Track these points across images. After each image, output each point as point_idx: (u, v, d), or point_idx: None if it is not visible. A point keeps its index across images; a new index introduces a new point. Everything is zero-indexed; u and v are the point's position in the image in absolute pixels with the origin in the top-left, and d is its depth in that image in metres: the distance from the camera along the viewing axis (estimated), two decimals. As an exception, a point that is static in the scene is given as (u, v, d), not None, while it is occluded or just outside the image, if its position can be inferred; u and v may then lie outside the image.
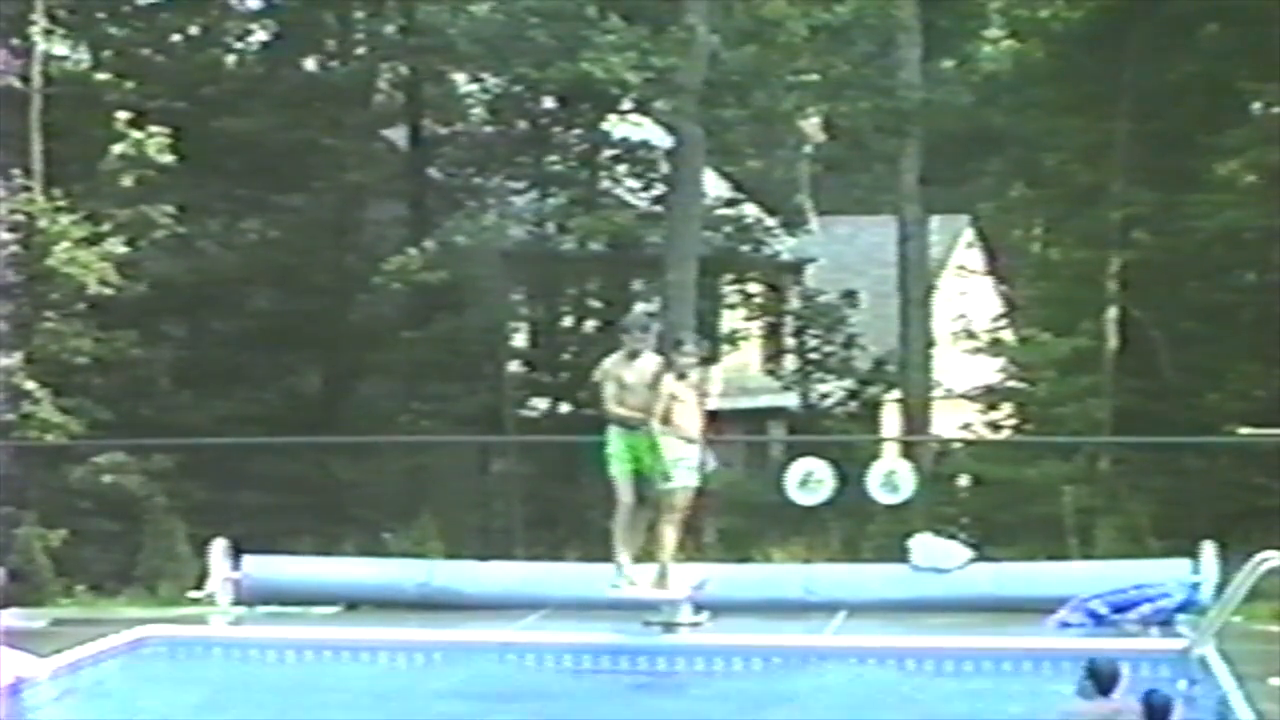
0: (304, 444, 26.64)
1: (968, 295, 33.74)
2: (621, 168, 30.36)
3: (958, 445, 30.61)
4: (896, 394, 32.47)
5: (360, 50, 31.78)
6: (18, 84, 26.08)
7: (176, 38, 30.31)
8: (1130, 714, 10.49)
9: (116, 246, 24.59)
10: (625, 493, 13.82)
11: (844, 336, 34.41)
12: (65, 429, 23.94)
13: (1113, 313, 27.02)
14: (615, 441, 13.77)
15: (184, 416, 26.52)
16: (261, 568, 16.49)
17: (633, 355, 13.84)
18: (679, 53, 26.41)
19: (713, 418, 14.45)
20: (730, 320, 33.02)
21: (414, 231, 29.31)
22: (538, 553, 21.70)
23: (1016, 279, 35.65)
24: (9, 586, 17.29)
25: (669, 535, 13.76)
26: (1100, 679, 10.77)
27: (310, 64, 31.88)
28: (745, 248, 31.73)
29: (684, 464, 13.65)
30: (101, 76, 27.85)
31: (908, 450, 26.21)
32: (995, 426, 29.37)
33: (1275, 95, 26.61)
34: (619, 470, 13.80)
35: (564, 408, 29.43)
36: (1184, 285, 27.46)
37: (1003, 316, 33.78)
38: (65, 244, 24.27)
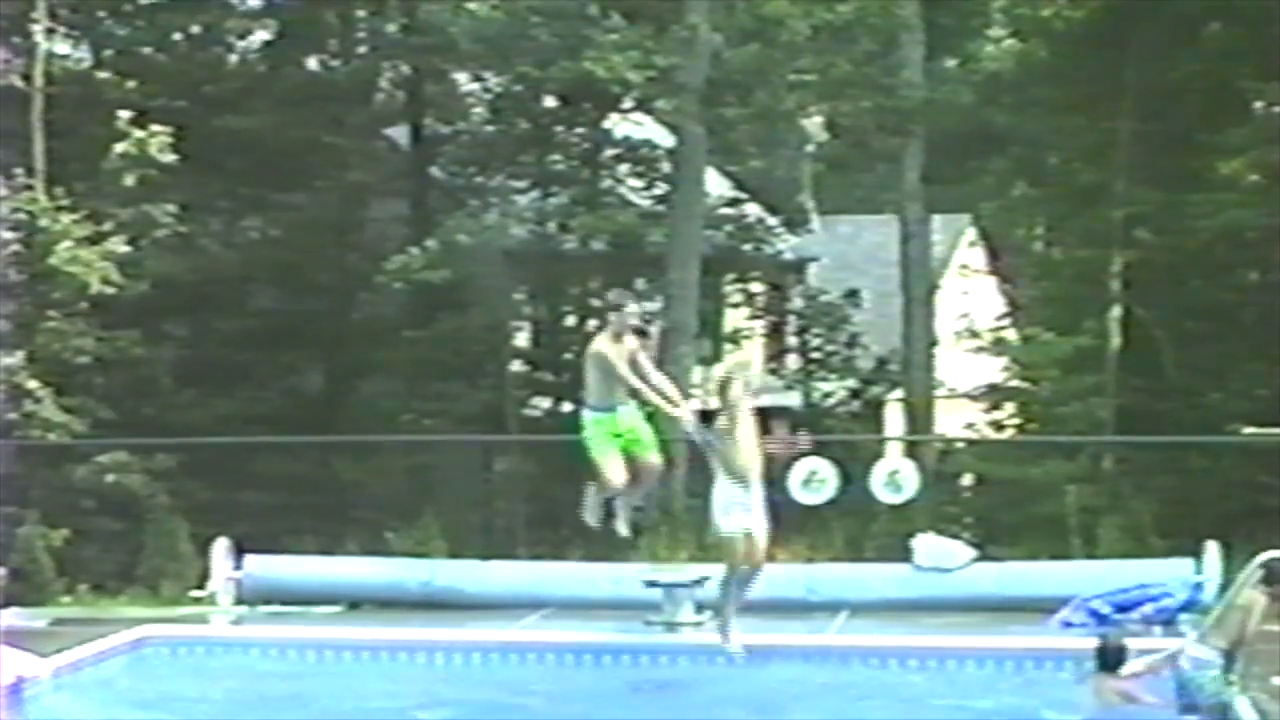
0: (306, 443, 26.65)
1: (970, 294, 33.71)
2: (623, 167, 30.35)
3: (961, 445, 30.61)
4: (899, 393, 32.46)
5: (362, 49, 31.81)
6: (19, 83, 26.11)
7: (178, 37, 30.30)
8: (1144, 697, 10.67)
9: (118, 245, 24.57)
10: (616, 472, 13.55)
11: (846, 336, 34.41)
12: (67, 428, 23.94)
13: (1115, 312, 26.97)
14: (591, 427, 13.62)
15: (186, 415, 26.51)
16: (263, 567, 16.50)
17: (617, 337, 13.67)
18: (681, 52, 26.43)
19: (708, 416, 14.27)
20: (732, 319, 33.03)
21: (416, 230, 29.31)
22: (540, 552, 21.69)
23: (1019, 278, 35.60)
24: (11, 585, 17.30)
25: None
26: (1106, 655, 10.89)
27: (312, 63, 31.89)
28: (747, 247, 31.73)
29: (737, 506, 12.95)
30: (103, 75, 27.89)
31: (911, 449, 26.25)
32: (998, 426, 29.33)
33: (1277, 95, 26.57)
34: (603, 449, 13.52)
35: (566, 407, 29.37)
36: (1187, 284, 27.42)
37: (1005, 316, 33.75)
38: (67, 243, 24.26)
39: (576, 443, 13.84)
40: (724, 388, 13.09)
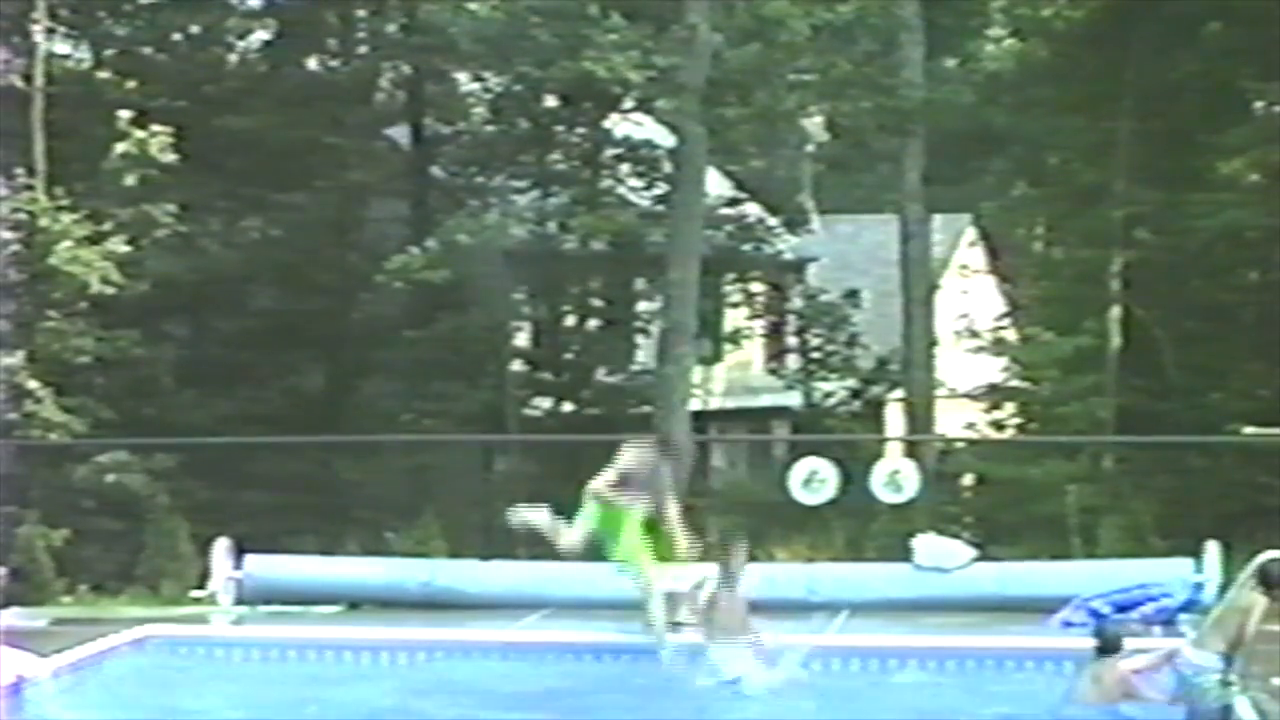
0: (306, 443, 26.66)
1: (970, 294, 33.71)
2: (624, 167, 30.36)
3: (961, 445, 30.62)
4: (899, 393, 32.46)
5: (362, 49, 31.85)
6: (20, 83, 26.12)
7: (178, 37, 30.33)
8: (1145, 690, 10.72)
9: (118, 245, 24.62)
10: (576, 534, 13.71)
11: (847, 336, 34.38)
12: (67, 428, 23.97)
13: (1115, 312, 27.01)
14: (586, 520, 13.64)
15: (186, 415, 26.54)
16: (264, 567, 16.50)
17: (650, 485, 13.61)
18: (681, 52, 26.42)
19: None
20: (733, 319, 33.02)
21: (416, 230, 29.34)
22: (540, 552, 21.65)
23: (1019, 278, 35.63)
24: (11, 585, 17.32)
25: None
26: (1105, 644, 10.94)
27: (312, 63, 31.93)
28: (747, 247, 31.73)
29: (742, 669, 12.71)
30: (103, 75, 27.95)
31: (911, 450, 26.25)
32: (998, 426, 29.36)
33: (1277, 94, 26.62)
34: (585, 517, 13.67)
35: (566, 407, 29.45)
36: (1187, 284, 27.46)
37: (1005, 315, 33.76)
38: (67, 243, 24.30)
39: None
40: (727, 549, 13.22)
